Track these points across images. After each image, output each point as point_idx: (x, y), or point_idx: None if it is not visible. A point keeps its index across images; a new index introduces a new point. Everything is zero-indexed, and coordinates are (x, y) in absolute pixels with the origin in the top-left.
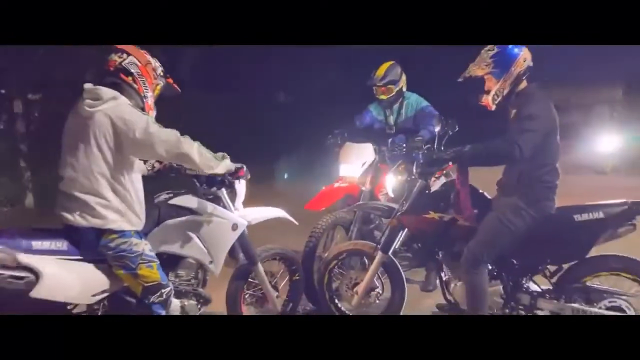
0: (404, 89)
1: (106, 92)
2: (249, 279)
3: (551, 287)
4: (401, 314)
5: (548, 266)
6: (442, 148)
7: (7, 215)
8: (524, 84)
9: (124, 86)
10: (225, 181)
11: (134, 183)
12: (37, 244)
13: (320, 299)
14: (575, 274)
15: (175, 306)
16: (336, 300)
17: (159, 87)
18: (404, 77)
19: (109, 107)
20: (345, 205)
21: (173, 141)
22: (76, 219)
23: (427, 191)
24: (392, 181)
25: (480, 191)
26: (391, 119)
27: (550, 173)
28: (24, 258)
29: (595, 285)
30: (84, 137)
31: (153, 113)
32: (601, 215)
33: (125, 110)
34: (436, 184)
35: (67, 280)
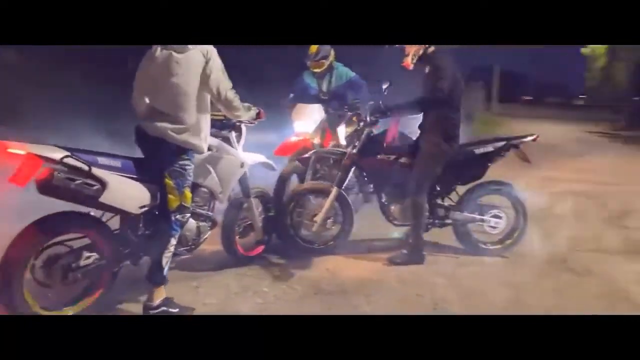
0: (334, 63)
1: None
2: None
3: (457, 204)
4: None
5: (457, 188)
6: (381, 103)
7: None
8: (432, 48)
9: None
10: (236, 125)
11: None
12: (101, 159)
13: (284, 234)
14: (473, 195)
15: (192, 226)
16: (299, 232)
17: None
18: (332, 52)
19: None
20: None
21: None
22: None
23: (371, 135)
24: (343, 131)
25: (407, 134)
26: (324, 87)
27: (456, 113)
28: (96, 171)
29: (484, 202)
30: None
31: None
32: (491, 148)
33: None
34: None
35: (123, 193)
